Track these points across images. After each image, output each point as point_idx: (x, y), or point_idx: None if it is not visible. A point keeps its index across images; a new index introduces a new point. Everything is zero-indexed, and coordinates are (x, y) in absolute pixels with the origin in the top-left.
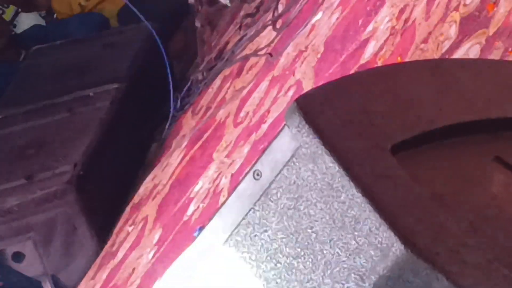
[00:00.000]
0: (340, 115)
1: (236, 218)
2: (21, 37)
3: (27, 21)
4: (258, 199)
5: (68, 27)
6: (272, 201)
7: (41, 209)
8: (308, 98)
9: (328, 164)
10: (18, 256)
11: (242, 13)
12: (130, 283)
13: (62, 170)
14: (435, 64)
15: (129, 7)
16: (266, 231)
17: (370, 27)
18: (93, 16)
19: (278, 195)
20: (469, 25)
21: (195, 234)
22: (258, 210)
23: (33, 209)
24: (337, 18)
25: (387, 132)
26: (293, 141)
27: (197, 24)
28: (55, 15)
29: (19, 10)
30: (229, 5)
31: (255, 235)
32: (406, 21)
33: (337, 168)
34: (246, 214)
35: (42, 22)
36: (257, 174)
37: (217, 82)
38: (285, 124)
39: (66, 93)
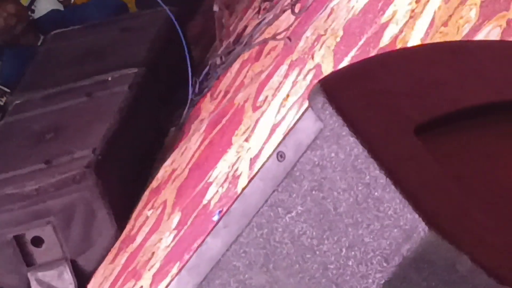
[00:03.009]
0: (363, 97)
1: (260, 200)
2: (39, 22)
3: (45, 5)
4: (282, 181)
5: (86, 11)
6: (295, 183)
7: (60, 194)
8: (331, 80)
9: (352, 145)
10: (38, 241)
11: None
12: (149, 267)
13: (81, 154)
14: (457, 45)
15: None
16: (289, 212)
17: (389, 11)
18: (111, 0)
19: (302, 176)
20: (489, 8)
21: (214, 218)
22: (282, 192)
23: (52, 193)
24: (357, 2)
25: (411, 113)
26: (316, 123)
27: (216, 8)
28: (73, 0)
29: None
30: None
31: (278, 217)
32: (425, 4)
33: (360, 149)
34: (270, 196)
35: (60, 6)
36: (281, 156)
37: (236, 66)
38: (308, 106)
39: (84, 77)
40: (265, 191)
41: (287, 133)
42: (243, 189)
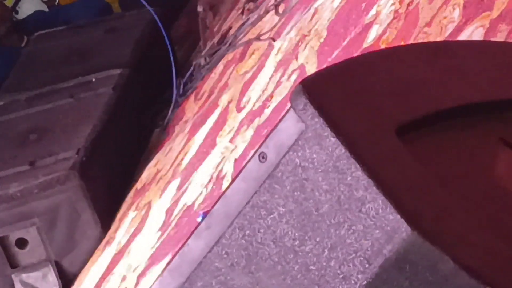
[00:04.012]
0: (345, 97)
1: (242, 201)
2: (23, 23)
3: (29, 6)
4: (264, 182)
5: (70, 12)
6: (277, 184)
7: (45, 195)
8: (313, 81)
9: (334, 146)
10: (22, 242)
11: None
12: (133, 268)
13: (65, 155)
14: (439, 45)
15: None
16: (271, 213)
17: (373, 11)
18: (95, 1)
19: (284, 177)
20: (473, 8)
21: (199, 219)
22: (264, 193)
23: (36, 195)
24: (340, 2)
25: (392, 114)
26: (298, 124)
27: (200, 9)
28: (57, 1)
29: None
30: None
31: (260, 218)
32: (409, 4)
33: (342, 150)
34: (252, 197)
35: (44, 7)
36: (263, 157)
37: (220, 67)
38: (290, 107)
39: (68, 78)
40: (247, 192)
41: (269, 134)
42: (225, 190)
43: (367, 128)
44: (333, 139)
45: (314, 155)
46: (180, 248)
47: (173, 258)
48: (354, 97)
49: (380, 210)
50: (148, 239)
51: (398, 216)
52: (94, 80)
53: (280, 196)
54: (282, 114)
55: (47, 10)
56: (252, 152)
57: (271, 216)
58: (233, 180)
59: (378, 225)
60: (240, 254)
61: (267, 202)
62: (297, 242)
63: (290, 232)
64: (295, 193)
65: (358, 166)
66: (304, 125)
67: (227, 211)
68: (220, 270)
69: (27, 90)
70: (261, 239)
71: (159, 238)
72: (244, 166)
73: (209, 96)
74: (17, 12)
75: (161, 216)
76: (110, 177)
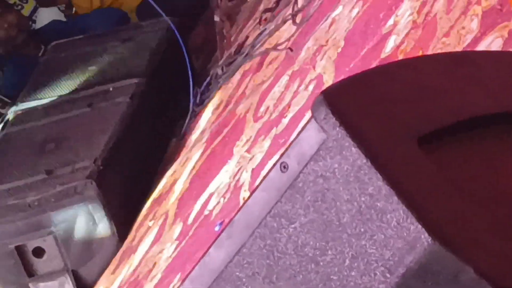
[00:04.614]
0: (366, 107)
1: (263, 211)
2: (40, 32)
3: (46, 16)
4: (285, 192)
5: (88, 22)
6: (298, 194)
7: (62, 204)
8: (334, 91)
9: (355, 156)
10: (39, 251)
11: (261, 7)
12: (151, 277)
13: (82, 165)
14: (459, 56)
15: (148, 2)
16: (292, 223)
17: (391, 21)
18: (113, 11)
19: (305, 187)
20: (491, 19)
21: (216, 228)
22: (285, 203)
23: (53, 204)
24: (358, 12)
25: (413, 123)
26: (319, 134)
27: (217, 18)
28: (74, 10)
29: (38, 5)
30: None
31: (282, 228)
32: (427, 14)
33: (364, 160)
34: (273, 207)
35: (62, 17)
36: (284, 167)
37: (237, 76)
38: (311, 117)
39: (86, 88)
40: (268, 202)
41: (290, 144)
42: (246, 200)
43: (388, 138)
44: (355, 149)
45: (335, 165)
46: (201, 258)
47: (194, 268)
48: (375, 107)
49: (401, 220)
50: (166, 249)
51: (420, 226)
52: (111, 89)
53: (301, 206)
54: (302, 124)
55: (64, 19)
56: (269, 161)
57: (292, 225)
58: (254, 189)
59: (399, 235)
60: (261, 264)
61: (288, 212)
62: (318, 252)
63: (311, 242)
64: (316, 203)
65: (379, 176)
66: (325, 135)
67: (248, 220)
68: (241, 280)
69: (44, 99)
70: (282, 249)
71: (176, 248)
72: (265, 176)
73: (226, 105)
74: (34, 21)
75: (178, 225)
76: (127, 187)
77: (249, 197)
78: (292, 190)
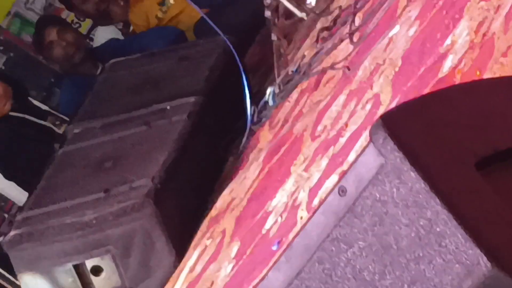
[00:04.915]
0: (424, 131)
1: (322, 235)
2: (98, 51)
3: (103, 34)
4: (343, 216)
5: (145, 40)
6: (357, 218)
7: (119, 223)
8: (392, 115)
9: (413, 180)
10: (97, 270)
11: (318, 26)
12: None
13: (139, 183)
14: None
15: (205, 20)
16: (351, 247)
17: (448, 41)
18: (170, 29)
19: (363, 211)
20: None
21: (273, 247)
22: (343, 227)
23: (111, 222)
24: (415, 31)
25: (471, 147)
26: (378, 158)
27: (274, 37)
28: (131, 28)
29: (95, 24)
30: (305, 18)
31: (340, 252)
32: (484, 34)
33: (422, 184)
34: (331, 231)
35: (119, 34)
36: (342, 191)
37: (294, 95)
38: (370, 141)
39: (143, 106)
40: (326, 226)
41: (349, 168)
42: (305, 223)
43: (446, 162)
44: (413, 174)
45: (394, 189)
46: (260, 281)
47: None
48: (433, 131)
49: (460, 245)
50: (223, 268)
51: (478, 251)
52: (168, 108)
53: (359, 230)
54: (359, 143)
55: (121, 37)
56: (326, 181)
57: (351, 250)
58: (312, 213)
59: (458, 260)
60: None
61: (346, 236)
62: (376, 276)
63: (369, 266)
64: (375, 227)
65: (437, 201)
66: (384, 159)
67: (307, 244)
68: None
69: (102, 118)
70: (341, 273)
71: (233, 267)
72: (323, 200)
73: (283, 124)
74: (91, 40)
75: (235, 244)
76: (185, 205)
77: (307, 221)
78: (351, 214)
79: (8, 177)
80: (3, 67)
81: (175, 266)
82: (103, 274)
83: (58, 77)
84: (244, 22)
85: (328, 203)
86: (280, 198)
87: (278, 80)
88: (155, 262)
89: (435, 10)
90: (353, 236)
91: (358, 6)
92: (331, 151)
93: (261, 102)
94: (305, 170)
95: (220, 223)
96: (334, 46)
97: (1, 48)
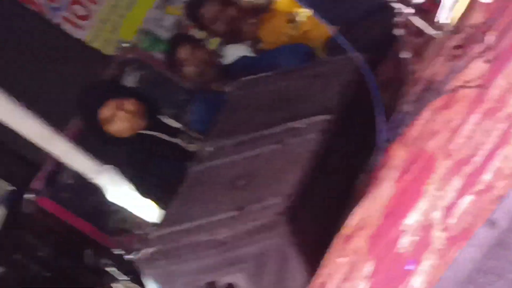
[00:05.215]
0: None
1: (470, 267)
2: (229, 68)
3: (233, 51)
4: (493, 248)
5: (276, 57)
6: (506, 250)
7: (253, 241)
8: None
9: None
10: None
11: (450, 44)
12: None
13: (273, 201)
14: None
15: (336, 38)
16: (500, 279)
17: None
18: (300, 47)
19: None
20: None
21: (408, 267)
22: (492, 259)
23: (245, 240)
24: None
25: None
26: None
27: (405, 54)
28: (261, 45)
29: (224, 42)
30: (437, 36)
31: (489, 284)
32: None
33: None
34: (480, 263)
35: (249, 51)
36: (492, 223)
37: (426, 113)
38: None
39: (275, 124)
40: (475, 258)
41: (498, 201)
42: (453, 255)
43: None
44: None
45: None
46: None
47: None
48: None
49: None
50: (357, 287)
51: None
52: (300, 126)
53: (510, 262)
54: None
55: (251, 54)
56: (460, 200)
57: (500, 281)
58: (460, 245)
59: None
60: None
61: (496, 268)
62: None
63: None
64: None
65: None
66: None
67: (457, 277)
68: None
69: (234, 135)
70: None
71: (366, 286)
72: (474, 233)
73: (415, 142)
74: (222, 57)
75: (369, 263)
76: (318, 223)
77: (455, 253)
78: (500, 246)
79: (142, 194)
80: (135, 85)
81: (308, 284)
82: None
83: (189, 94)
84: (375, 38)
85: (477, 236)
86: (413, 217)
87: (409, 98)
88: (288, 280)
89: None
90: (503, 268)
91: (491, 23)
92: (465, 170)
93: (393, 120)
94: (439, 189)
95: (352, 241)
96: (467, 64)
97: (134, 66)
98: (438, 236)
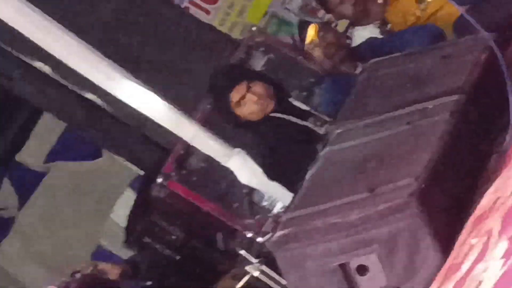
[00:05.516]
0: None
1: None
2: (357, 50)
3: (361, 33)
4: None
5: (404, 39)
6: None
7: (384, 222)
8: None
9: None
10: (362, 269)
11: None
12: None
13: (404, 183)
14: None
15: (465, 18)
16: None
17: None
18: (429, 27)
19: None
20: None
21: None
22: None
23: (376, 222)
24: None
25: None
26: None
27: None
28: (389, 26)
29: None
30: None
31: None
32: None
33: None
34: None
35: (377, 33)
36: None
37: None
38: None
39: (404, 106)
40: None
41: None
42: None
43: None
44: None
45: None
46: None
47: None
48: None
49: None
50: (490, 267)
51: None
52: (430, 107)
53: None
54: None
55: (379, 36)
56: None
57: None
58: None
59: None
60: None
61: None
62: None
63: None
64: None
65: None
66: None
67: None
68: None
69: (363, 117)
70: None
71: (502, 266)
72: None
73: None
74: (350, 39)
75: (503, 243)
76: (449, 204)
77: None
78: None
79: (271, 177)
80: (263, 69)
81: (440, 266)
82: (368, 274)
83: (318, 77)
84: (505, 17)
85: None
86: None
87: None
88: (420, 261)
89: None
90: None
91: None
92: None
93: None
94: None
95: (485, 222)
96: None
97: (262, 49)
98: None
